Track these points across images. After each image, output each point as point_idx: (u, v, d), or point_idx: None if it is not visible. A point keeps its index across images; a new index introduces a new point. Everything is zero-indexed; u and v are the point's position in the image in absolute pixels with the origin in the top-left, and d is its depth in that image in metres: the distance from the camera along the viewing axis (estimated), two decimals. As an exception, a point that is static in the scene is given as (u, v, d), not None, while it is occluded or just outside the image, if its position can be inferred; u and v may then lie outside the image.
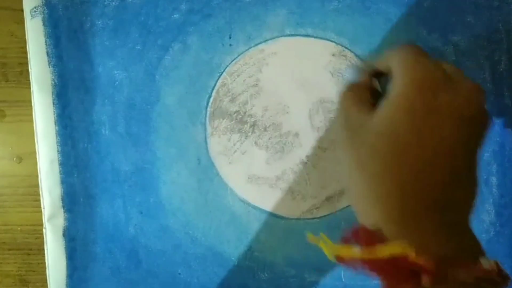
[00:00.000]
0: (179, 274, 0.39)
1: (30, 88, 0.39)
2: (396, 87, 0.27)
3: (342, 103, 0.30)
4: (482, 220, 0.36)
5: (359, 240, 0.26)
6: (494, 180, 0.36)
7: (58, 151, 0.39)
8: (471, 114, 0.26)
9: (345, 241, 0.27)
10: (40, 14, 0.38)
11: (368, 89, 0.30)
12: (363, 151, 0.27)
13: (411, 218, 0.26)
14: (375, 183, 0.26)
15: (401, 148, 0.26)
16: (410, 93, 0.26)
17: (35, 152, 0.39)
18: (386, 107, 0.27)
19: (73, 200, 0.39)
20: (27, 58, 0.39)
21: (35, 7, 0.38)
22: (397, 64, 0.27)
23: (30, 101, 0.39)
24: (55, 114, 0.39)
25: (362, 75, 0.31)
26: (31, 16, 0.38)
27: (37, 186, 0.39)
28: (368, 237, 0.26)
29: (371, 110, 0.28)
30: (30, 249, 0.41)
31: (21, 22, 0.39)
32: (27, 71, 0.39)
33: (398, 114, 0.26)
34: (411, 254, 0.24)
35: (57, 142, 0.39)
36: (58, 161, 0.39)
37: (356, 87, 0.30)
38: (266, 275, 0.38)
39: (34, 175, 0.39)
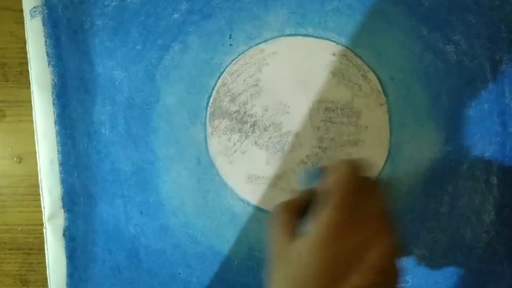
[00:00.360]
0: (179, 273, 0.39)
1: (30, 88, 0.39)
2: (314, 226, 0.28)
3: (271, 228, 0.31)
4: (482, 220, 0.36)
5: None
6: (494, 179, 0.36)
7: (58, 151, 0.39)
8: (381, 266, 0.26)
9: None
10: (40, 14, 0.38)
11: (298, 214, 0.31)
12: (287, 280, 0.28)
13: None
14: None
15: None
16: (324, 233, 0.27)
17: (35, 152, 0.39)
18: (303, 243, 0.28)
19: (73, 200, 0.39)
20: (27, 58, 0.39)
21: (34, 7, 0.38)
22: (322, 198, 0.28)
23: (30, 101, 0.39)
24: (55, 114, 0.39)
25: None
26: (31, 16, 0.38)
27: (37, 186, 0.39)
28: None
29: (293, 239, 0.29)
30: (30, 249, 0.41)
31: (21, 22, 0.39)
32: (27, 71, 0.39)
33: (311, 254, 0.27)
34: None
35: (57, 142, 0.39)
36: (58, 161, 0.39)
37: (288, 210, 0.31)
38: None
39: (34, 175, 0.39)
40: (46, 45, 0.38)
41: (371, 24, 0.36)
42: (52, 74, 0.38)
